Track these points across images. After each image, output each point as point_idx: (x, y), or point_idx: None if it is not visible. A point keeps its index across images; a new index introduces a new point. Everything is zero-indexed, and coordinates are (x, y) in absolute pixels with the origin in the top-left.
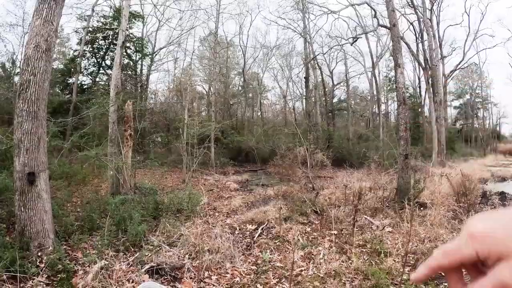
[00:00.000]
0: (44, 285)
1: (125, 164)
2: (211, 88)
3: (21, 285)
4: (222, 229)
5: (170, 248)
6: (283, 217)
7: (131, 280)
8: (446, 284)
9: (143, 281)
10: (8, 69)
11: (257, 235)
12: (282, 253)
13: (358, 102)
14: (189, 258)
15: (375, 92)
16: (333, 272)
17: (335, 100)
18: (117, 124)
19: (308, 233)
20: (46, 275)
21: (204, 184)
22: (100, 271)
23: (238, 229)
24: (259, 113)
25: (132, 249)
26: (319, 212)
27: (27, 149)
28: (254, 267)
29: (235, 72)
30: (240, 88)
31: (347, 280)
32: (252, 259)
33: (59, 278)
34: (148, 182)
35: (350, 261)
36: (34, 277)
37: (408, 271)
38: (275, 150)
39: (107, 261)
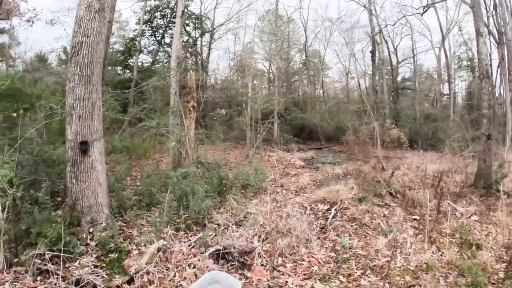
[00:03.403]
0: (92, 267)
1: (188, 136)
2: (272, 66)
3: (66, 265)
4: (291, 207)
5: (237, 227)
6: (357, 197)
7: (192, 265)
8: None
9: (207, 267)
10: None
11: (331, 216)
12: (362, 239)
13: (423, 81)
14: (258, 241)
15: (443, 69)
16: (425, 265)
17: (399, 78)
18: (179, 96)
19: (387, 217)
20: (96, 255)
21: (268, 161)
22: (157, 253)
23: (309, 208)
24: (320, 91)
25: (195, 228)
26: (394, 194)
27: (79, 116)
28: (333, 254)
29: (296, 49)
30: (301, 65)
31: (441, 276)
32: (329, 244)
33: (109, 259)
34: (211, 157)
35: (440, 252)
36: (82, 257)
37: (503, 268)
38: (340, 127)
39: (166, 241)
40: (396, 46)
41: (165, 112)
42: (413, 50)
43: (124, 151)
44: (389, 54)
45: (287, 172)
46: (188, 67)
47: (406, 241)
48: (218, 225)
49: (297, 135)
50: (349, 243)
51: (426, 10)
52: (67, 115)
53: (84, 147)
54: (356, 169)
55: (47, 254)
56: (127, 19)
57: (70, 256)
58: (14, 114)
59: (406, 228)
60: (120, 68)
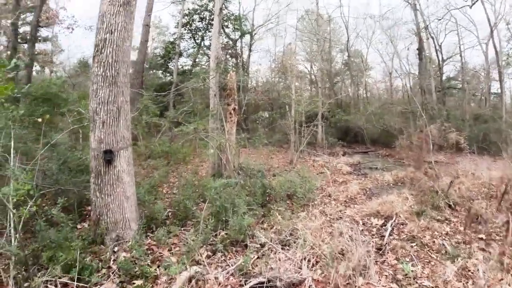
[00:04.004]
0: None
1: (229, 141)
2: (313, 67)
3: None
4: (343, 223)
5: (282, 248)
6: (414, 211)
7: None
8: None
9: None
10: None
11: (387, 234)
12: (426, 264)
13: (469, 80)
14: (308, 266)
15: (492, 66)
16: None
17: (443, 77)
18: (219, 98)
19: (449, 236)
20: (118, 281)
21: (313, 166)
22: (189, 284)
23: (361, 223)
24: (361, 91)
25: (234, 249)
26: (453, 206)
27: (103, 122)
28: (395, 286)
29: (337, 49)
30: (342, 66)
31: None
32: (389, 271)
33: (134, 286)
34: (253, 162)
35: None
36: (102, 282)
37: None
38: (386, 130)
39: (200, 266)
40: (441, 43)
41: (205, 115)
42: (459, 47)
43: (163, 155)
44: (436, 52)
45: (334, 179)
46: (228, 69)
47: (478, 269)
48: (261, 245)
49: (341, 138)
50: (412, 271)
51: (475, 2)
52: (91, 120)
53: (108, 157)
54: (407, 176)
55: (59, 281)
56: (167, 24)
57: (85, 286)
58: (39, 120)
59: (474, 251)
60: (161, 71)
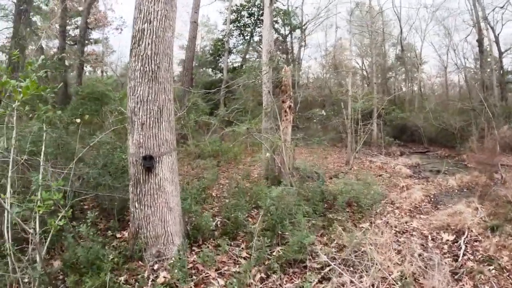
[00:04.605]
0: None
1: (284, 142)
2: (365, 62)
3: None
4: (410, 237)
5: (346, 270)
6: (488, 225)
7: None
8: None
9: None
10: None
11: (461, 254)
12: None
13: None
14: None
15: None
16: None
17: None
18: (273, 95)
19: None
20: None
21: (371, 167)
22: None
23: (430, 238)
24: (415, 88)
25: (291, 270)
26: None
27: (142, 124)
28: None
29: (389, 43)
30: (395, 60)
31: None
32: None
33: None
34: (307, 164)
35: None
36: None
37: None
38: (445, 129)
39: None
40: (498, 34)
41: (257, 114)
42: None
43: (213, 155)
44: (497, 43)
45: (395, 183)
46: (282, 63)
47: None
48: (322, 267)
49: (396, 136)
50: None
51: None
52: (128, 122)
53: (148, 164)
54: (472, 181)
55: None
56: (215, 23)
57: None
58: (78, 120)
59: None
60: (211, 69)
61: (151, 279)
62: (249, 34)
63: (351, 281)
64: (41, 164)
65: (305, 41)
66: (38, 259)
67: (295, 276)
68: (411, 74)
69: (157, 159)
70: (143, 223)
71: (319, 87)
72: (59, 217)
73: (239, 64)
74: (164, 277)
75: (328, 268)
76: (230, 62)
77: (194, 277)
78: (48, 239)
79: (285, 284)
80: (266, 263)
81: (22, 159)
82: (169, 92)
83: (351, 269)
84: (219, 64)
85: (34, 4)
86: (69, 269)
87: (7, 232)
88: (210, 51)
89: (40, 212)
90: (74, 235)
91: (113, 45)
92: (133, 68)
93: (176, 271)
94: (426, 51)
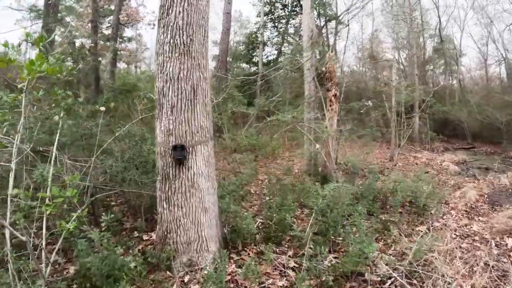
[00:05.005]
0: None
1: (330, 134)
2: (401, 54)
3: None
4: (471, 243)
5: (410, 284)
6: None
7: None
8: None
9: None
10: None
11: None
12: None
13: None
14: None
15: None
16: None
17: None
18: (315, 84)
19: None
20: None
21: (416, 164)
22: None
23: (493, 244)
24: (455, 81)
25: (347, 284)
26: None
27: (172, 106)
28: None
29: (427, 35)
30: (432, 52)
31: None
32: None
33: None
34: (352, 159)
35: None
36: None
37: None
38: (491, 123)
39: None
40: None
41: (296, 105)
42: None
43: (250, 149)
44: None
45: (444, 181)
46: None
47: None
48: (383, 280)
49: (438, 132)
50: None
51: None
52: (156, 105)
53: (179, 155)
54: None
55: None
56: (247, 18)
57: None
58: (102, 108)
59: None
60: (245, 62)
61: None
62: (283, 26)
63: None
64: (53, 155)
65: (335, 35)
66: (43, 265)
67: None
68: (450, 66)
69: (190, 149)
70: (173, 226)
71: (355, 81)
72: (73, 218)
73: (275, 57)
74: None
75: (389, 282)
76: (265, 55)
77: None
78: (59, 242)
79: None
80: (318, 275)
81: (27, 148)
82: (204, 69)
83: (414, 281)
84: (254, 57)
85: (67, 4)
86: (83, 278)
87: (8, 234)
88: (245, 44)
89: (48, 212)
90: (88, 239)
91: (146, 42)
92: (161, 41)
93: (210, 285)
94: (465, 43)
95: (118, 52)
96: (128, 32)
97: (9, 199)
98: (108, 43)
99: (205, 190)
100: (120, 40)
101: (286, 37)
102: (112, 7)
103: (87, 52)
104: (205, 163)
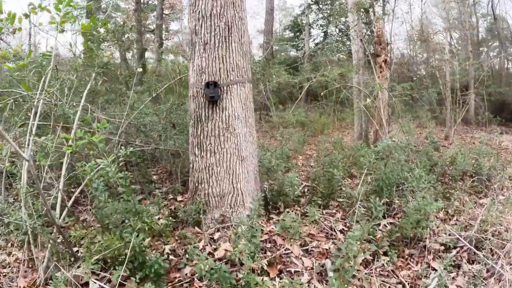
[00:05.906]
0: None
1: (382, 88)
2: (452, 36)
3: None
4: None
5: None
6: None
7: None
8: None
9: None
10: None
11: None
12: None
13: None
14: None
15: None
16: None
17: None
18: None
19: None
20: None
21: (474, 143)
22: None
23: None
24: (508, 65)
25: (406, 251)
26: None
27: (205, 43)
28: None
29: (479, 14)
30: (484, 34)
31: None
32: None
33: None
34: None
35: None
36: None
37: None
38: None
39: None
40: None
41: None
42: None
43: (298, 127)
44: None
45: (505, 158)
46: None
47: None
48: (445, 246)
49: (494, 113)
50: None
51: None
52: (189, 46)
53: (212, 92)
54: None
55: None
56: (291, 5)
57: None
58: (140, 70)
59: None
60: (291, 45)
61: (207, 251)
62: (328, 9)
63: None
64: (83, 100)
65: (383, 14)
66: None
67: (412, 260)
68: (504, 48)
69: (225, 88)
70: (204, 175)
71: (406, 63)
72: (95, 164)
73: (321, 39)
74: (225, 249)
75: (455, 251)
76: (311, 37)
77: (268, 253)
78: (80, 187)
79: (400, 271)
80: (371, 240)
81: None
82: (239, 8)
83: (483, 251)
84: (300, 42)
85: (112, 2)
86: (99, 223)
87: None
88: (289, 26)
89: (69, 151)
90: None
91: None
92: None
93: (243, 242)
94: None
95: (164, 43)
96: (173, 26)
97: (31, 139)
98: (153, 35)
99: (242, 135)
100: (166, 33)
101: (331, 19)
102: (156, 2)
103: (130, 28)
104: (242, 105)
